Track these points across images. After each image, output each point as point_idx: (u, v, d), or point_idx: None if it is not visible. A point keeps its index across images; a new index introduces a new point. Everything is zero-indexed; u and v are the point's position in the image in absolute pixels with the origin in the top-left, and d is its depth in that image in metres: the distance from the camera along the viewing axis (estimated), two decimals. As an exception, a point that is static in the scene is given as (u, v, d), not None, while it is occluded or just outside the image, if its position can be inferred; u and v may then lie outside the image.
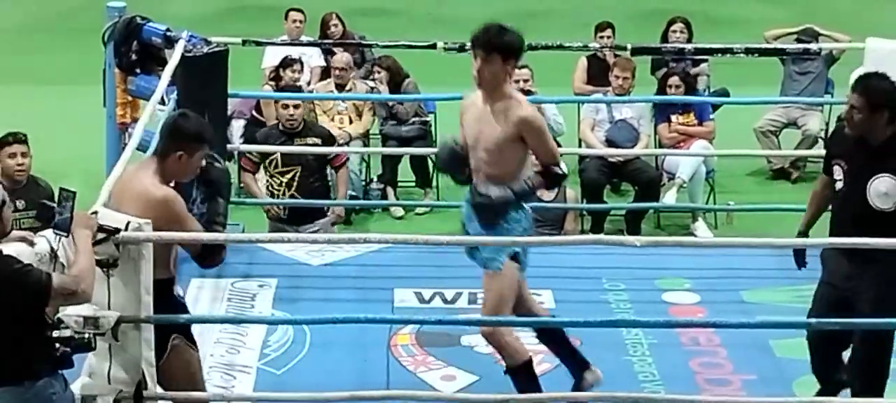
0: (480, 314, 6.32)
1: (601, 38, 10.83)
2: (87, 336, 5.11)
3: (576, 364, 6.40)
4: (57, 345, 4.95)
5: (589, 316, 6.85)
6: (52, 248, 5.23)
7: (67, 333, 5.04)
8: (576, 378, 6.39)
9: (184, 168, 5.57)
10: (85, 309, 5.21)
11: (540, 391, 6.18)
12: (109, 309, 5.31)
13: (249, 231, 8.68)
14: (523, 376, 6.18)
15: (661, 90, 10.06)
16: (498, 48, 6.10)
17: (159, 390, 5.60)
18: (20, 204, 7.59)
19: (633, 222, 9.55)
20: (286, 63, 10.33)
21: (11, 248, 4.97)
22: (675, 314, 7.56)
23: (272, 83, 10.66)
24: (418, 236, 6.06)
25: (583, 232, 9.45)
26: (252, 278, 7.94)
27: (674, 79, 9.96)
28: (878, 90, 5.89)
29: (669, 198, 9.49)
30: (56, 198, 5.07)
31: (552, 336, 6.38)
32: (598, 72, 10.68)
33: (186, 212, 5.54)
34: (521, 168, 6.13)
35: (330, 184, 9.21)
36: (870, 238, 5.66)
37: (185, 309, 5.80)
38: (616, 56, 10.21)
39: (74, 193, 5.06)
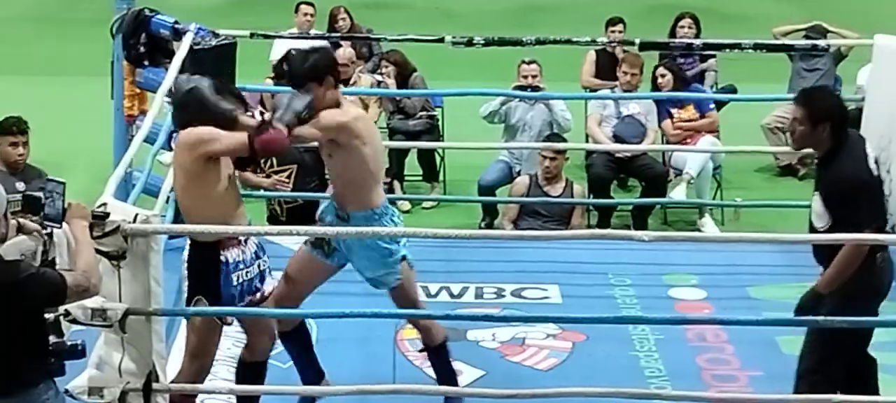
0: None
1: (612, 32, 10.82)
2: (79, 344, 5.07)
3: (313, 371, 6.43)
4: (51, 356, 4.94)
5: (595, 311, 6.86)
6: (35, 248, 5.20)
7: (59, 341, 5.02)
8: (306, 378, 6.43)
9: None
10: (93, 301, 5.21)
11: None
12: (120, 301, 5.31)
13: (256, 224, 8.68)
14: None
15: (654, 84, 10.04)
16: (307, 77, 5.95)
17: (170, 383, 5.62)
18: (20, 185, 7.61)
19: (639, 218, 9.53)
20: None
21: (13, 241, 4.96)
22: (682, 310, 7.55)
23: (275, 78, 10.62)
24: (425, 230, 6.04)
25: (589, 227, 9.44)
26: (259, 271, 7.93)
27: (659, 70, 9.96)
28: (822, 103, 5.87)
29: (678, 193, 9.47)
30: (43, 190, 5.04)
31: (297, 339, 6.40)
32: (607, 67, 10.67)
33: (217, 131, 5.67)
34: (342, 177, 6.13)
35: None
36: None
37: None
38: (624, 51, 10.20)
39: (64, 183, 5.03)
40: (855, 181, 5.76)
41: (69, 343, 5.05)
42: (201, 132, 5.68)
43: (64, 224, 5.04)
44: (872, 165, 5.87)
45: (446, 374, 6.33)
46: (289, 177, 8.94)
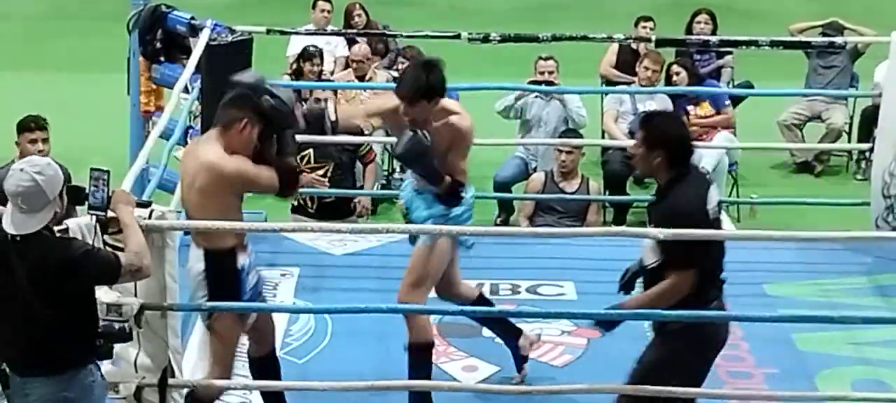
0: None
1: (643, 28, 10.84)
2: (127, 327, 5.11)
3: (511, 334, 6.63)
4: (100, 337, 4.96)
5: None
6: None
7: (107, 323, 5.05)
8: (512, 348, 6.64)
9: (247, 139, 5.65)
10: (108, 296, 5.22)
11: (429, 377, 6.26)
12: (136, 296, 5.33)
13: (272, 220, 8.69)
14: (420, 357, 6.23)
15: (668, 82, 10.03)
16: (422, 95, 6.07)
17: (187, 377, 5.62)
18: None
19: (655, 214, 9.51)
20: (306, 56, 10.31)
21: None
22: (698, 307, 7.53)
23: (291, 74, 10.63)
24: (441, 227, 6.05)
25: (605, 223, 9.44)
26: (274, 267, 7.95)
27: (674, 68, 9.96)
28: (658, 129, 5.51)
29: (694, 188, 9.44)
30: (87, 179, 5.05)
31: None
32: (628, 62, 10.68)
33: (256, 169, 5.65)
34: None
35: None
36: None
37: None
38: (647, 48, 10.19)
39: (108, 171, 5.04)
40: (688, 216, 5.40)
41: (117, 325, 5.07)
42: (244, 169, 5.64)
43: (108, 211, 5.06)
44: (713, 208, 5.50)
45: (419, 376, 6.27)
46: (325, 174, 8.93)
